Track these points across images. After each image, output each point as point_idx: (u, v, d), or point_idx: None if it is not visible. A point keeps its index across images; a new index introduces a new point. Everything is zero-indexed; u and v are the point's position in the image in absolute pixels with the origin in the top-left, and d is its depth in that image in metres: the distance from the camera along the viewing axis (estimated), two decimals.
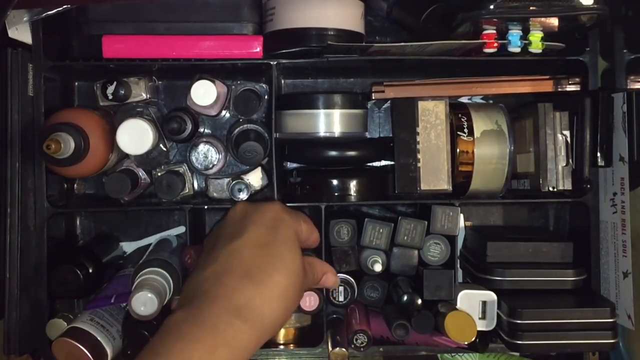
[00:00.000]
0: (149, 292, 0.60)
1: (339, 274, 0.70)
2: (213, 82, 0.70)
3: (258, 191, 0.77)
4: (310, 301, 0.69)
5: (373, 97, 0.73)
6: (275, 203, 0.58)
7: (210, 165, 0.75)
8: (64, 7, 0.65)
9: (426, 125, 0.71)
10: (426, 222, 0.70)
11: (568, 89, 0.73)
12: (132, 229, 0.82)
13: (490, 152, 0.72)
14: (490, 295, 0.69)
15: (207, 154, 0.75)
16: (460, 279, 0.76)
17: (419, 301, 0.68)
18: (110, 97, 0.72)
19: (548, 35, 0.67)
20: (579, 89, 0.73)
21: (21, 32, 0.68)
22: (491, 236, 0.73)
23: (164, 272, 0.65)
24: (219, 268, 0.50)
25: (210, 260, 0.52)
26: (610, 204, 0.71)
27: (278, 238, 0.53)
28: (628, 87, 0.72)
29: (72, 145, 0.64)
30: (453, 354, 0.77)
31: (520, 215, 0.85)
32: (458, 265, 0.73)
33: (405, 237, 0.70)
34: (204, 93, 0.69)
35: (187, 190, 0.76)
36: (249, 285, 0.49)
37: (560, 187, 0.72)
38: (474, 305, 0.69)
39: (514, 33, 0.66)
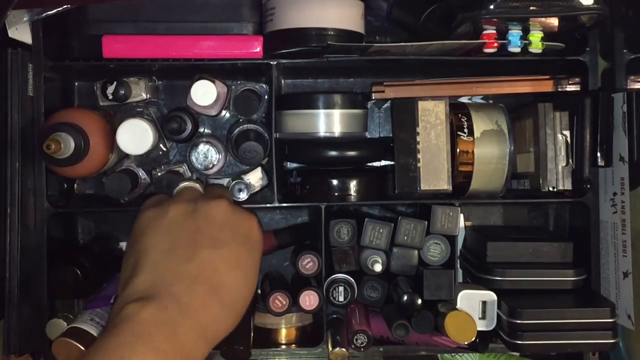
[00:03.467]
0: None
1: (339, 274, 0.71)
2: (213, 82, 0.70)
3: (258, 191, 0.77)
4: (310, 300, 0.69)
5: (373, 97, 0.73)
6: (253, 219, 0.56)
7: (210, 165, 0.75)
8: (64, 7, 0.65)
9: (426, 125, 0.71)
10: (426, 222, 0.70)
11: (568, 89, 0.73)
12: None
13: (490, 152, 0.72)
14: (490, 295, 0.69)
15: (207, 154, 0.75)
16: (460, 279, 0.76)
17: (419, 301, 0.68)
18: (110, 97, 0.72)
19: (548, 35, 0.67)
20: (579, 89, 0.73)
21: (21, 32, 0.68)
22: (491, 236, 0.73)
23: None
24: (195, 271, 0.49)
25: (184, 254, 0.50)
26: (610, 204, 0.71)
27: (250, 262, 0.54)
28: (628, 87, 0.72)
29: (72, 145, 0.64)
30: (453, 354, 0.77)
31: (520, 215, 0.85)
32: (458, 265, 0.73)
33: (405, 237, 0.70)
34: (204, 93, 0.69)
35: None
36: (216, 304, 0.49)
37: (560, 187, 0.72)
38: (474, 305, 0.69)
39: (514, 33, 0.66)
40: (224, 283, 0.50)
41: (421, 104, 0.72)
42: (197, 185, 0.60)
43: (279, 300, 0.69)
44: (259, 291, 0.76)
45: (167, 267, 0.49)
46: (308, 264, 0.70)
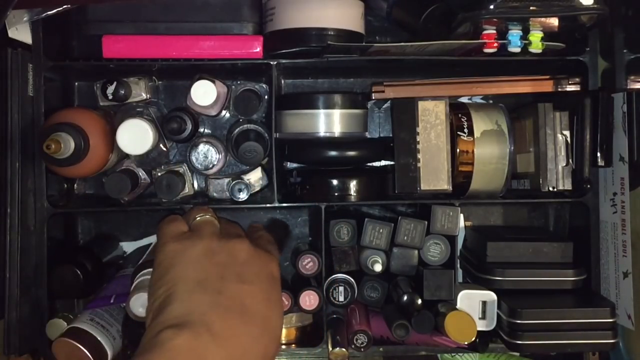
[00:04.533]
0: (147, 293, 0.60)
1: (339, 274, 0.71)
2: (213, 82, 0.70)
3: (258, 191, 0.77)
4: (310, 300, 0.69)
5: (373, 97, 0.73)
6: (273, 259, 0.59)
7: (210, 165, 0.75)
8: (64, 7, 0.65)
9: (426, 125, 0.71)
10: (426, 222, 0.70)
11: (568, 89, 0.73)
12: (132, 229, 0.82)
13: (490, 152, 0.72)
14: (490, 295, 0.69)
15: (207, 154, 0.75)
16: (460, 279, 0.76)
17: (419, 301, 0.68)
18: (110, 97, 0.72)
19: (548, 35, 0.67)
20: (579, 89, 0.73)
21: (21, 32, 0.68)
22: (491, 236, 0.73)
23: None
24: (226, 302, 0.51)
25: (215, 287, 0.52)
26: (610, 204, 0.71)
27: (274, 297, 0.56)
28: (628, 87, 0.72)
29: (72, 145, 0.64)
30: (453, 354, 0.77)
31: (520, 215, 0.85)
32: (458, 265, 0.73)
33: (405, 237, 0.70)
34: (204, 93, 0.69)
35: (187, 190, 0.76)
36: (247, 335, 0.50)
37: (560, 187, 0.72)
38: (474, 305, 0.69)
39: (514, 33, 0.66)
40: (253, 316, 0.52)
41: (421, 104, 0.72)
42: (214, 219, 0.61)
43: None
44: None
45: (200, 297, 0.51)
46: (308, 264, 0.70)
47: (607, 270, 0.72)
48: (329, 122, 0.71)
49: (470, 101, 0.79)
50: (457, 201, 0.72)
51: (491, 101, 0.79)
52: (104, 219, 0.82)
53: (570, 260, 0.71)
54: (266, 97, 0.78)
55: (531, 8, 0.62)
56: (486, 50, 0.68)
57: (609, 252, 0.71)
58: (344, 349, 0.68)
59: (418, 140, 0.71)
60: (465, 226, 0.81)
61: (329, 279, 0.70)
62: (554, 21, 0.66)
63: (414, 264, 0.71)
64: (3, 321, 0.68)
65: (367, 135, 0.77)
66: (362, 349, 0.70)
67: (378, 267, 0.70)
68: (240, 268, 0.54)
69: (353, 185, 0.75)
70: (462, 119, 0.72)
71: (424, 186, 0.71)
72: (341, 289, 0.70)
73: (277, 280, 0.57)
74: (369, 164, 0.81)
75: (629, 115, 0.69)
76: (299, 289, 0.70)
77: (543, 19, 0.65)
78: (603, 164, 0.70)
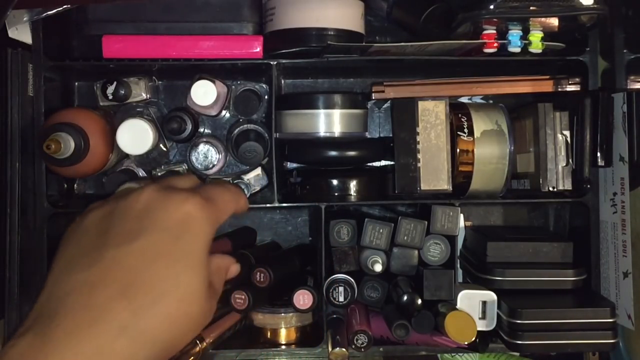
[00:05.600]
0: None
1: (339, 274, 0.71)
2: (213, 82, 0.70)
3: (258, 191, 0.77)
4: (304, 299, 0.69)
5: (373, 97, 0.73)
6: (188, 199, 0.44)
7: (210, 165, 0.75)
8: (64, 7, 0.65)
9: (426, 125, 0.71)
10: (426, 222, 0.70)
11: (568, 89, 0.73)
12: None
13: (490, 152, 0.72)
14: (490, 295, 0.69)
15: (207, 154, 0.75)
16: (460, 279, 0.76)
17: (419, 301, 0.68)
18: (110, 97, 0.72)
19: (548, 35, 0.67)
20: (579, 89, 0.73)
21: (21, 32, 0.68)
22: (491, 236, 0.73)
23: None
24: (94, 278, 0.40)
25: (85, 261, 0.41)
26: (610, 204, 0.71)
27: (178, 250, 0.42)
28: (628, 87, 0.72)
29: (72, 145, 0.64)
30: (453, 354, 0.77)
31: (520, 215, 0.85)
32: (458, 265, 0.73)
33: (405, 237, 0.70)
34: (204, 93, 0.69)
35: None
36: (125, 309, 0.39)
37: (560, 187, 0.72)
38: (474, 305, 0.69)
39: (514, 33, 0.66)
40: (138, 282, 0.40)
41: (421, 104, 0.72)
42: (138, 184, 0.50)
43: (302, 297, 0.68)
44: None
45: (62, 282, 0.41)
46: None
47: (607, 270, 0.72)
48: (329, 122, 0.71)
49: (470, 101, 0.79)
50: (457, 201, 0.72)
51: (491, 101, 0.79)
52: None
53: (570, 260, 0.71)
54: (266, 97, 0.78)
55: (531, 8, 0.62)
56: (486, 50, 0.68)
57: (609, 252, 0.71)
58: (344, 349, 0.68)
59: (418, 140, 0.71)
60: (465, 226, 0.81)
61: (329, 279, 0.70)
62: (554, 21, 0.66)
63: (414, 264, 0.71)
64: (3, 321, 0.68)
65: (367, 135, 0.77)
66: (362, 349, 0.70)
67: (378, 267, 0.70)
68: (130, 225, 0.43)
69: (353, 185, 0.75)
70: (462, 119, 0.72)
71: (424, 186, 0.71)
72: (341, 289, 0.70)
73: (183, 223, 0.43)
74: (369, 164, 0.81)
75: (629, 115, 0.69)
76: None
77: (543, 19, 0.65)
78: (603, 164, 0.70)
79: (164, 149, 0.74)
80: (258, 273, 0.67)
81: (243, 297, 0.66)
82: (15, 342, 0.38)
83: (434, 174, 0.71)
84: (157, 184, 0.46)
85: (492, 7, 0.62)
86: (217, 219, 0.46)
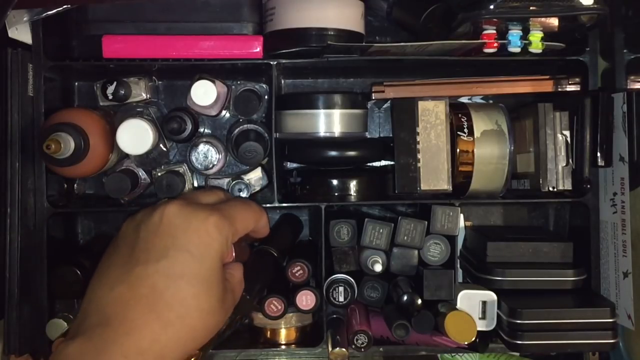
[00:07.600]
0: None
1: (339, 274, 0.71)
2: (213, 82, 0.70)
3: (258, 191, 0.77)
4: (307, 300, 0.69)
5: (373, 97, 0.73)
6: (209, 219, 0.49)
7: (210, 165, 0.75)
8: (64, 7, 0.65)
9: (426, 125, 0.71)
10: (426, 222, 0.70)
11: (568, 89, 0.73)
12: None
13: (490, 152, 0.72)
14: (490, 295, 0.69)
15: (207, 154, 0.75)
16: (460, 279, 0.76)
17: (419, 301, 0.68)
18: (110, 97, 0.72)
19: (548, 35, 0.67)
20: (579, 89, 0.73)
21: (21, 32, 0.68)
22: (491, 236, 0.73)
23: None
24: (127, 293, 0.46)
25: (117, 274, 0.47)
26: (610, 204, 0.71)
27: (200, 271, 0.47)
28: (628, 87, 0.72)
29: (72, 145, 0.64)
30: (453, 354, 0.77)
31: (520, 215, 0.85)
32: (458, 265, 0.73)
33: (405, 237, 0.70)
34: (204, 93, 0.69)
35: (187, 191, 0.76)
36: (155, 323, 0.45)
37: (560, 187, 0.72)
38: (474, 305, 0.69)
39: (514, 33, 0.66)
40: (164, 299, 0.46)
41: (421, 104, 0.72)
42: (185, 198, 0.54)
43: (274, 305, 0.69)
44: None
45: (98, 295, 0.47)
46: (298, 272, 0.70)
47: (607, 270, 0.72)
48: (329, 122, 0.71)
49: (470, 101, 0.79)
50: (457, 201, 0.72)
51: (491, 101, 0.79)
52: (104, 219, 0.82)
53: (570, 260, 0.71)
54: (266, 97, 0.78)
55: (531, 8, 0.62)
56: (486, 50, 0.68)
57: (609, 252, 0.71)
58: (344, 349, 0.68)
59: (418, 140, 0.71)
60: (465, 226, 0.81)
61: (329, 279, 0.70)
62: (554, 21, 0.66)
63: (414, 264, 0.71)
64: (3, 321, 0.68)
65: (367, 135, 0.77)
66: (362, 349, 0.70)
67: (378, 267, 0.70)
68: (153, 242, 0.47)
69: (353, 185, 0.75)
70: (462, 119, 0.72)
71: (424, 186, 0.71)
72: (341, 289, 0.70)
73: (204, 244, 0.48)
74: (369, 164, 0.81)
75: (629, 115, 0.69)
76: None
77: (543, 19, 0.65)
78: (603, 164, 0.70)
79: (164, 149, 0.74)
80: (295, 268, 0.69)
81: (280, 306, 0.68)
82: (68, 343, 0.44)
83: (434, 174, 0.71)
84: (181, 199, 0.51)
85: (492, 7, 0.62)
86: (233, 237, 0.51)
